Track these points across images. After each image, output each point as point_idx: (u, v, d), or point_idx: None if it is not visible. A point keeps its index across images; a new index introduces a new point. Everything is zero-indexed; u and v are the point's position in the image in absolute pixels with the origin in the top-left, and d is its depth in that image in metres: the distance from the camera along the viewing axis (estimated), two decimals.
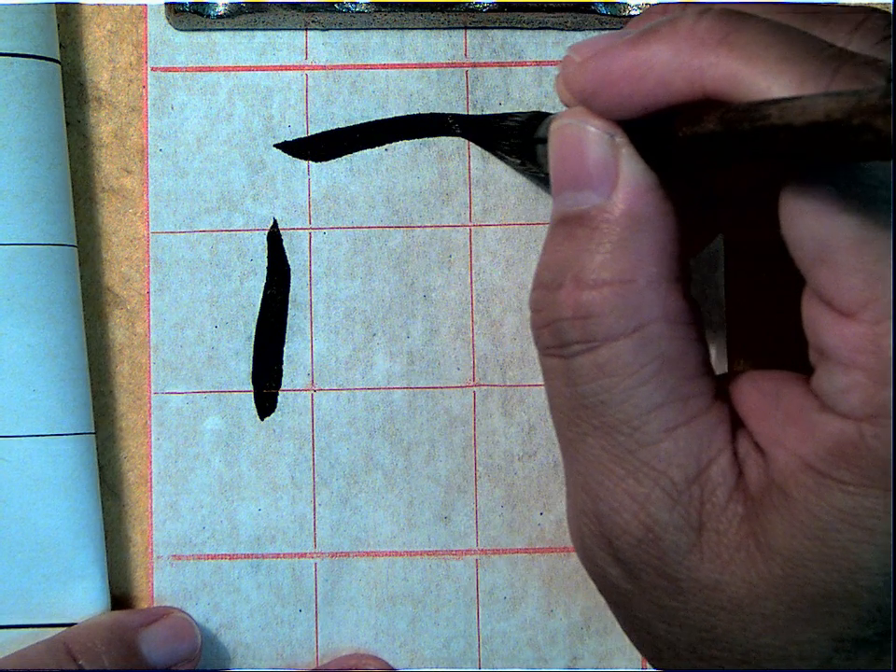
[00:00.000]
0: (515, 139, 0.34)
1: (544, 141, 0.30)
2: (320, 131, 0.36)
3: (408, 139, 0.36)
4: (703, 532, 0.26)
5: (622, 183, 0.27)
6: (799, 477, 0.25)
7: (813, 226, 0.24)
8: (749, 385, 0.28)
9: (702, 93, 0.26)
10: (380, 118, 0.36)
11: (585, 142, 0.28)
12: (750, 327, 0.32)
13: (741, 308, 0.33)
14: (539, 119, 0.33)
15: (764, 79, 0.24)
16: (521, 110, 0.36)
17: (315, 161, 0.36)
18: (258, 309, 0.36)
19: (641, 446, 0.27)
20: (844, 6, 0.29)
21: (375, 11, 0.36)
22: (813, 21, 0.27)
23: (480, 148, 0.36)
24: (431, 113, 0.36)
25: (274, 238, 0.36)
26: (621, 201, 0.27)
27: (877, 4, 0.36)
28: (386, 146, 0.36)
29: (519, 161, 0.35)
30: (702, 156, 0.26)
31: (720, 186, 0.32)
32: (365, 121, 0.36)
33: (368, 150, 0.36)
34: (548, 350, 0.28)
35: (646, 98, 0.27)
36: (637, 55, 0.26)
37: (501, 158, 0.36)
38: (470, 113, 0.36)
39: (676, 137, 0.26)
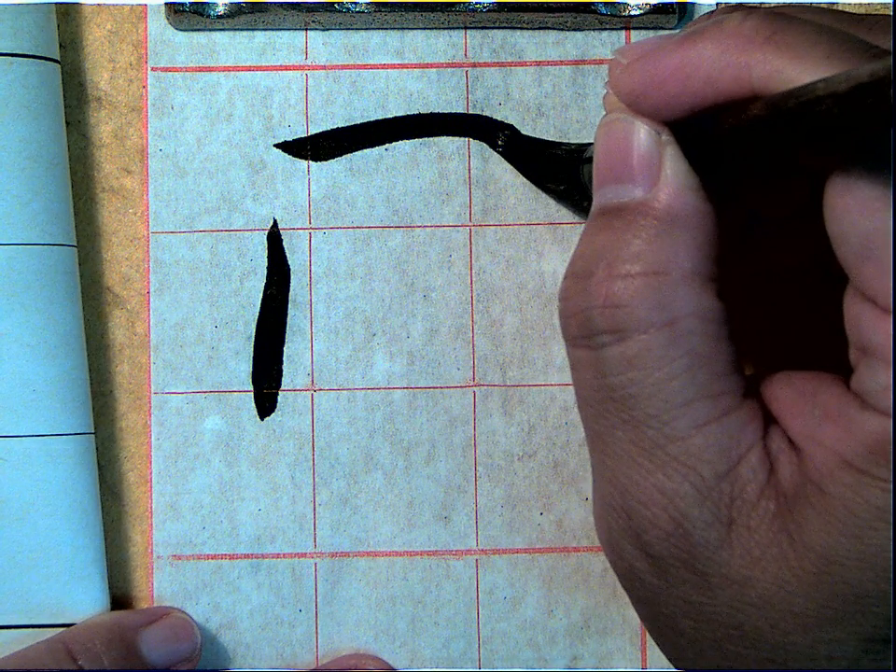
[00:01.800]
0: (563, 165, 0.35)
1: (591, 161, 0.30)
2: (320, 131, 0.36)
3: (408, 139, 0.36)
4: (733, 528, 0.26)
5: (664, 180, 0.27)
6: (837, 474, 0.25)
7: (858, 222, 0.24)
8: (783, 382, 0.28)
9: (749, 91, 0.26)
10: (380, 117, 0.36)
11: (632, 137, 0.28)
12: (782, 326, 0.32)
13: (771, 307, 0.33)
14: (586, 147, 0.33)
15: (810, 76, 0.24)
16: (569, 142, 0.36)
17: (315, 161, 0.36)
18: (258, 309, 0.36)
19: (671, 441, 0.27)
20: (888, 15, 0.29)
21: (375, 11, 0.36)
22: (857, 27, 0.27)
23: (480, 148, 0.36)
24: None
25: (274, 238, 0.36)
26: (661, 197, 0.27)
27: (878, 4, 0.36)
28: (386, 146, 0.36)
29: (563, 188, 0.35)
30: (748, 148, 0.26)
31: (761, 202, 0.32)
32: (365, 121, 0.36)
33: (368, 150, 0.36)
34: (576, 341, 0.28)
35: (693, 97, 0.27)
36: (684, 55, 0.27)
37: (542, 186, 0.36)
38: (471, 112, 0.36)
39: (721, 129, 0.26)
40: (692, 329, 0.27)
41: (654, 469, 0.27)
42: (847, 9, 0.37)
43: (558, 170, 0.35)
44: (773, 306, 0.32)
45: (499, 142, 0.36)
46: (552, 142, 0.36)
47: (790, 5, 0.29)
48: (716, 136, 0.27)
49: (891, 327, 0.24)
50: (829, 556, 0.25)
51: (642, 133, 0.28)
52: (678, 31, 0.30)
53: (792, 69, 0.25)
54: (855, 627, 0.25)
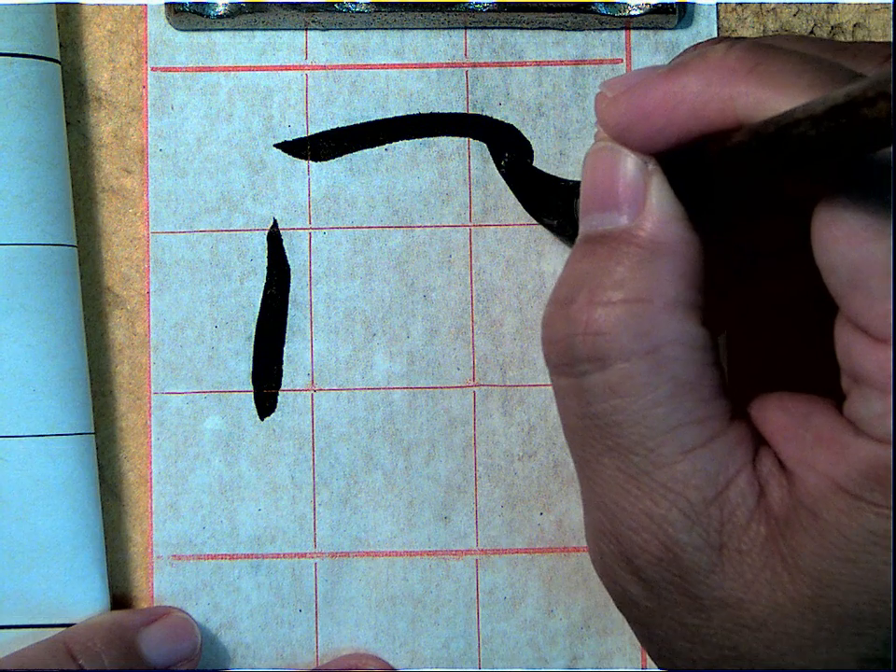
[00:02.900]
0: (559, 198, 0.35)
1: None
2: (320, 131, 0.36)
3: (408, 139, 0.36)
4: (724, 552, 0.26)
5: (648, 208, 0.27)
6: (830, 499, 0.25)
7: (846, 252, 0.24)
8: (775, 405, 0.28)
9: (734, 122, 0.26)
10: (380, 117, 0.36)
11: (618, 165, 0.28)
12: (772, 350, 0.32)
13: (762, 331, 0.32)
14: None
15: (794, 105, 0.24)
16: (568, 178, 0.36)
17: (315, 161, 0.36)
18: (258, 309, 0.36)
19: (657, 467, 0.27)
20: (872, 42, 0.29)
21: (375, 11, 0.36)
22: (842, 55, 0.27)
23: (480, 148, 0.36)
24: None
25: (274, 238, 0.36)
26: (646, 225, 0.27)
27: (877, 3, 0.36)
28: (386, 146, 0.36)
29: (557, 222, 0.35)
30: (733, 176, 0.26)
31: (751, 236, 0.32)
32: (365, 121, 0.36)
33: (368, 150, 0.36)
34: (558, 368, 0.28)
35: (679, 129, 0.27)
36: (669, 87, 0.27)
37: (538, 218, 0.36)
38: (471, 112, 0.36)
39: (707, 159, 0.27)
40: (675, 357, 0.26)
41: (642, 496, 0.27)
42: (846, 10, 0.37)
43: (554, 203, 0.35)
44: (764, 330, 0.32)
45: (503, 163, 0.36)
46: (552, 176, 0.36)
47: (777, 37, 0.29)
48: (702, 166, 0.27)
49: (889, 356, 0.24)
50: (824, 580, 0.25)
51: (629, 163, 0.28)
52: (667, 63, 0.30)
53: (777, 99, 0.25)
54: (851, 648, 0.25)
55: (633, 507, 0.27)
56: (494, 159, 0.36)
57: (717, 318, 0.30)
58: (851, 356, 0.25)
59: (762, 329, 0.33)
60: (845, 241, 0.24)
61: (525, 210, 0.36)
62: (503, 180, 0.36)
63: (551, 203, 0.36)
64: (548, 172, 0.36)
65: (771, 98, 0.25)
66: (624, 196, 0.28)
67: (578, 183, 0.34)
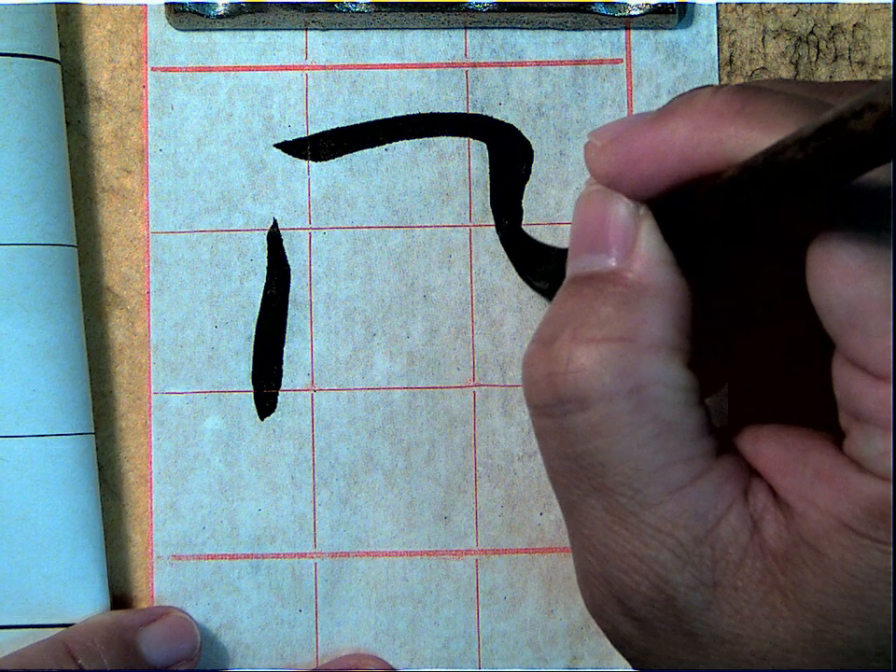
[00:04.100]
0: (551, 264, 0.35)
1: None
2: (320, 131, 0.36)
3: (408, 139, 0.36)
4: (718, 589, 0.26)
5: (638, 251, 0.27)
6: (833, 536, 0.25)
7: (842, 290, 0.24)
8: (770, 439, 0.27)
9: (724, 165, 0.26)
10: (380, 117, 0.36)
11: (609, 209, 0.28)
12: (763, 384, 0.32)
13: (753, 366, 0.32)
14: None
15: None
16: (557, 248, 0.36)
17: (315, 161, 0.36)
18: (258, 309, 0.36)
19: (644, 508, 0.26)
20: (857, 81, 0.29)
21: (375, 11, 0.36)
22: (827, 94, 0.27)
23: (480, 148, 0.36)
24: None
25: (274, 238, 0.36)
26: (634, 267, 0.27)
27: (877, 3, 0.36)
28: (386, 146, 0.36)
29: (547, 286, 0.35)
30: (726, 215, 0.26)
31: (743, 281, 0.31)
32: (365, 121, 0.36)
33: (368, 150, 0.36)
34: (540, 409, 0.28)
35: (670, 175, 0.27)
36: (657, 134, 0.27)
37: (528, 281, 0.36)
38: (471, 112, 0.36)
39: (698, 200, 0.26)
40: (658, 397, 0.26)
41: (631, 537, 0.26)
42: (846, 10, 0.37)
43: (544, 268, 0.36)
44: (758, 366, 0.32)
45: (500, 231, 0.36)
46: (542, 243, 0.36)
47: (762, 80, 0.29)
48: (694, 211, 0.27)
49: (890, 393, 0.24)
50: (827, 615, 0.25)
51: (620, 206, 0.28)
52: (651, 110, 0.30)
53: (765, 139, 0.25)
54: None
55: (622, 548, 0.27)
56: (496, 223, 0.36)
57: (716, 365, 0.30)
58: (851, 394, 0.25)
59: (756, 365, 0.32)
60: (840, 279, 0.24)
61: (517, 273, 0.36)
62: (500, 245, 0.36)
63: (541, 267, 0.36)
64: (547, 172, 0.36)
65: (760, 138, 0.25)
66: (614, 239, 0.27)
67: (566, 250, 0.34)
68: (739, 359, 0.32)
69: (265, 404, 0.36)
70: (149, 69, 0.36)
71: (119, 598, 0.36)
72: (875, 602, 0.25)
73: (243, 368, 0.36)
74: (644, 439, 0.26)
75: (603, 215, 0.28)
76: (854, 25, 0.37)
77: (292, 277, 0.36)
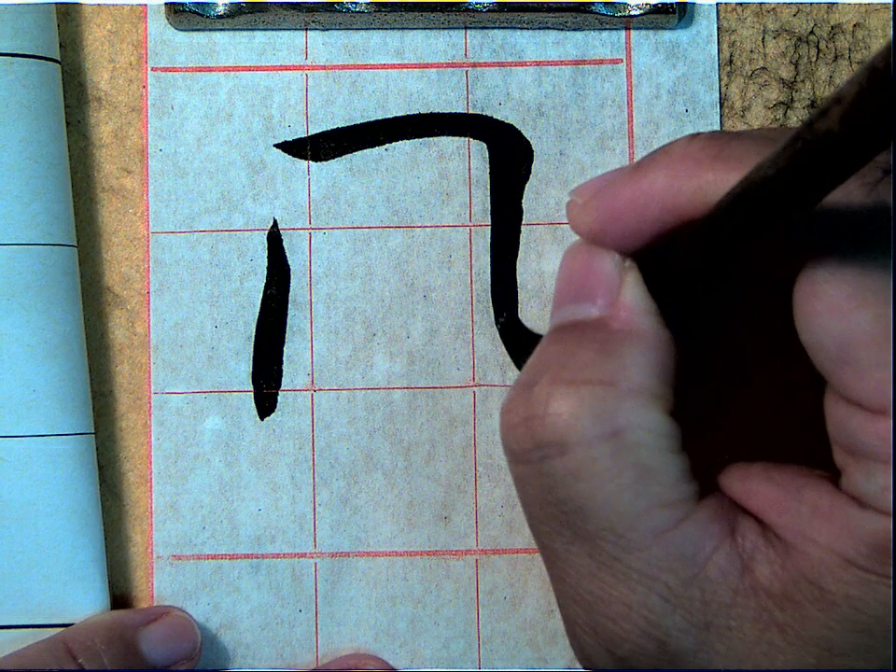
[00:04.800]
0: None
1: None
2: (320, 131, 0.36)
3: (408, 139, 0.36)
4: (711, 630, 0.26)
5: (622, 301, 0.27)
6: (837, 572, 0.24)
7: (830, 326, 0.24)
8: (761, 478, 0.27)
9: (705, 211, 0.26)
10: (380, 118, 0.36)
11: (594, 261, 0.28)
12: (747, 422, 0.32)
13: (734, 405, 0.32)
14: None
15: None
16: None
17: (315, 161, 0.36)
18: (258, 309, 0.36)
19: (629, 552, 0.26)
20: None
21: (375, 11, 0.36)
22: None
23: (480, 148, 0.36)
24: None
25: (274, 238, 0.36)
26: (618, 315, 0.27)
27: (877, 3, 0.36)
28: (386, 146, 0.36)
29: None
30: (707, 254, 0.26)
31: (727, 332, 0.31)
32: (365, 121, 0.36)
33: (368, 150, 0.36)
34: (518, 456, 0.27)
35: (652, 226, 0.27)
36: (636, 186, 0.27)
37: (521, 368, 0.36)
38: (471, 112, 0.36)
39: (682, 245, 0.26)
40: (637, 442, 0.26)
41: (616, 583, 0.26)
42: (846, 10, 0.37)
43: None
44: (742, 405, 0.32)
45: (500, 319, 0.36)
46: (540, 334, 0.36)
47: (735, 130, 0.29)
48: (678, 258, 0.27)
49: (887, 426, 0.24)
50: (832, 649, 0.25)
51: (605, 258, 0.28)
52: (628, 165, 0.30)
53: None
54: None
55: (608, 595, 0.26)
56: (494, 315, 0.36)
57: (707, 420, 0.30)
58: (847, 430, 0.25)
59: (744, 406, 0.32)
60: (828, 314, 0.24)
61: (515, 364, 0.36)
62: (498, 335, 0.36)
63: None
64: (548, 172, 0.36)
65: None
66: (599, 289, 0.27)
67: None
68: (728, 403, 0.32)
69: (265, 404, 0.36)
70: (149, 69, 0.36)
71: (119, 598, 0.36)
72: (882, 634, 0.24)
73: (243, 368, 0.36)
74: (625, 483, 0.26)
75: (588, 267, 0.28)
76: (854, 25, 0.37)
77: (292, 277, 0.36)
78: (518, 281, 0.36)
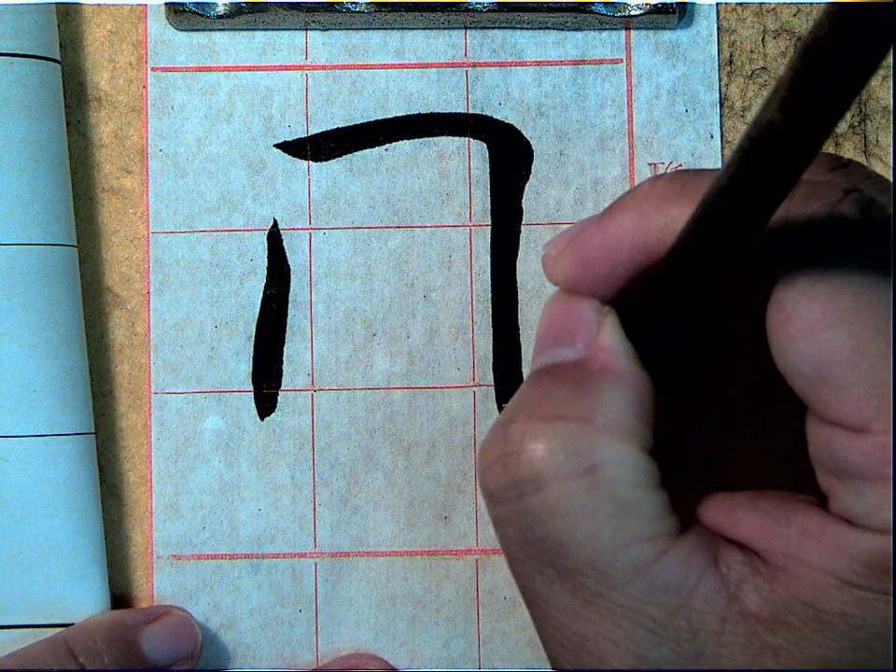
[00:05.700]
0: None
1: None
2: (320, 131, 0.36)
3: (408, 139, 0.36)
4: (700, 659, 0.25)
5: (600, 344, 0.27)
6: (832, 592, 0.24)
7: (805, 348, 0.24)
8: (746, 507, 0.27)
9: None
10: (380, 118, 0.36)
11: (573, 308, 0.28)
12: (727, 455, 0.32)
13: (719, 439, 0.32)
14: None
15: None
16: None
17: (315, 161, 0.36)
18: (258, 309, 0.36)
19: (612, 588, 0.26)
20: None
21: (375, 11, 0.36)
22: None
23: (480, 148, 0.36)
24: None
25: (274, 238, 0.36)
26: (595, 357, 0.27)
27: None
28: (386, 146, 0.36)
29: None
30: (679, 288, 0.26)
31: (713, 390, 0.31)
32: (365, 121, 0.36)
33: (368, 150, 0.36)
34: (495, 496, 0.27)
35: (625, 268, 0.27)
36: (605, 231, 0.27)
37: None
38: (471, 112, 0.36)
39: (654, 279, 0.26)
40: (614, 477, 0.26)
41: (601, 620, 0.26)
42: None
43: None
44: (718, 439, 0.32)
45: (499, 397, 0.36)
46: None
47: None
48: (653, 297, 0.27)
49: (873, 443, 0.24)
50: (831, 665, 0.25)
51: (584, 305, 0.28)
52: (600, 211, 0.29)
53: None
54: None
55: (594, 633, 0.26)
56: (496, 392, 0.36)
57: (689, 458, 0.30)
58: (831, 452, 0.24)
59: (724, 440, 0.32)
60: (801, 336, 0.24)
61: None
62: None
63: None
64: (547, 172, 0.36)
65: None
66: (578, 334, 0.27)
67: None
68: (709, 439, 0.32)
69: (265, 404, 0.36)
70: (149, 69, 0.36)
71: (120, 598, 0.36)
72: (881, 649, 0.24)
73: (243, 368, 0.36)
74: (602, 518, 0.25)
75: (567, 313, 0.28)
76: None
77: (292, 277, 0.36)
78: (518, 281, 0.36)
